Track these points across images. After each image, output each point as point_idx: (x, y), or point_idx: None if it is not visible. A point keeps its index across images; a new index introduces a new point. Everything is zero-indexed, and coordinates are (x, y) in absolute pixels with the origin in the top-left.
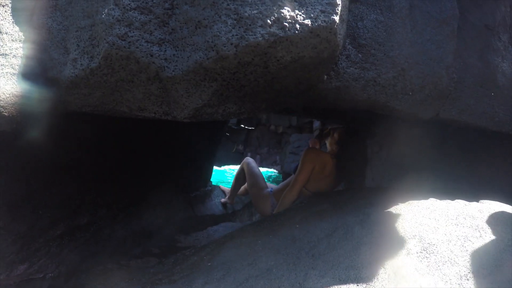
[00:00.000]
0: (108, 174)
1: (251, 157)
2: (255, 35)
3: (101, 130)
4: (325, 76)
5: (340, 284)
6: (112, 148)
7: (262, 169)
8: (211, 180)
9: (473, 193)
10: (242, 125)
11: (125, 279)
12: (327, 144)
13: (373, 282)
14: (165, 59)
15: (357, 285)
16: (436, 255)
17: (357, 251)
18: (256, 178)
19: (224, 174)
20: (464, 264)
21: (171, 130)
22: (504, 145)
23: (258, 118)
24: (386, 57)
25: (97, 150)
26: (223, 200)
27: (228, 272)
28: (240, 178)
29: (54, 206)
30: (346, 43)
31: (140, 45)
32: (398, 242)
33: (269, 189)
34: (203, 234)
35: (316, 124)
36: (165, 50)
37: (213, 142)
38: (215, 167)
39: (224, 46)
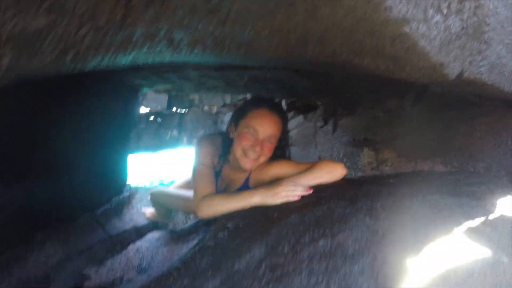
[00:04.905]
0: None
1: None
2: None
3: None
4: None
5: None
6: None
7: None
8: (127, 183)
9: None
10: (174, 109)
11: None
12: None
13: None
14: None
15: None
16: None
17: None
18: (183, 199)
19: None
20: None
21: (44, 130)
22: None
23: (190, 100)
24: None
25: None
26: (148, 214)
27: None
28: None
29: None
30: None
31: None
32: None
33: None
34: (121, 258)
35: None
36: None
37: (119, 133)
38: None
39: None
